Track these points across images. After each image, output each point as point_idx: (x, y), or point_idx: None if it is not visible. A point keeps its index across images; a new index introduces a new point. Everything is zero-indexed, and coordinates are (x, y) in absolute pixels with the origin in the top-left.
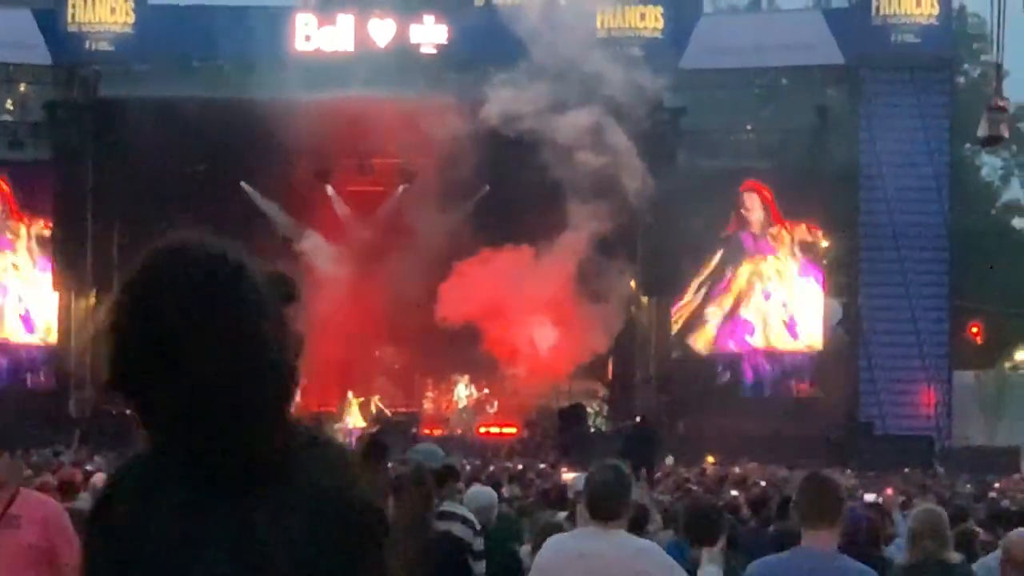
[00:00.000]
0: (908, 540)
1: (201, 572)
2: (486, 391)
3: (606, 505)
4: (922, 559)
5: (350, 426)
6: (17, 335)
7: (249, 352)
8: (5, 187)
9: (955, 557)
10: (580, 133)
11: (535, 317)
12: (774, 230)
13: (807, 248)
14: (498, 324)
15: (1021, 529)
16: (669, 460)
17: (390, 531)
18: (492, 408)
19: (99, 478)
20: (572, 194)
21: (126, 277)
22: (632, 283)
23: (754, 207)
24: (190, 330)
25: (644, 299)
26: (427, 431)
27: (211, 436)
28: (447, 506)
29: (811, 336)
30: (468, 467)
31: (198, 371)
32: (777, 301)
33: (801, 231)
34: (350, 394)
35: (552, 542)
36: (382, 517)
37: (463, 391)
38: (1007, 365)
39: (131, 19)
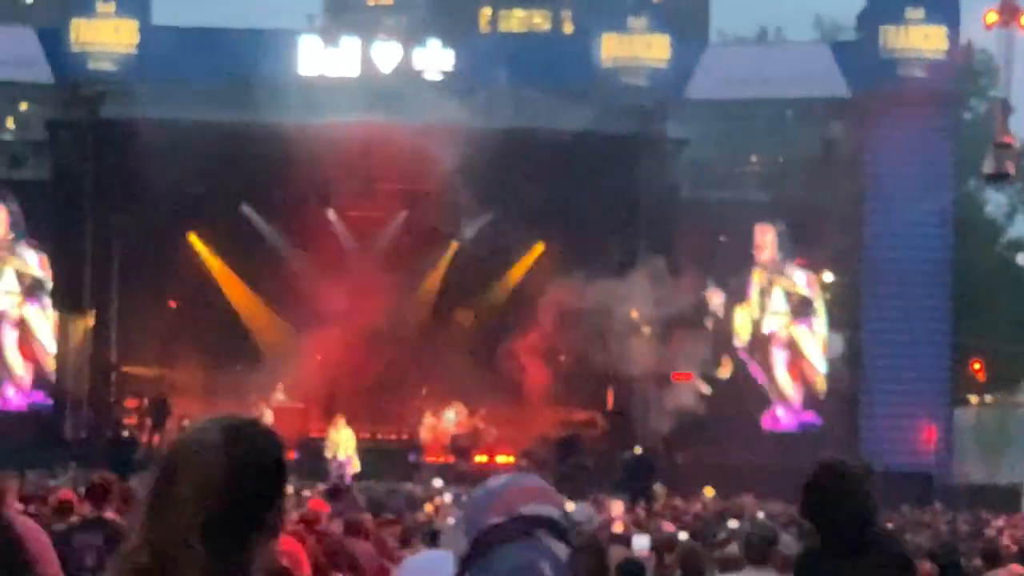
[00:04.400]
0: None
1: None
2: (480, 423)
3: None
4: None
5: (340, 456)
6: (13, 355)
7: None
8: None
9: None
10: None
11: None
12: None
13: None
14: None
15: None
16: (662, 489)
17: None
18: (490, 437)
19: None
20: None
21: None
22: (634, 313)
23: (766, 245)
24: None
25: (646, 329)
26: (430, 459)
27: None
28: None
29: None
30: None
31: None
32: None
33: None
34: (341, 421)
35: None
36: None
37: (452, 417)
38: (1009, 402)
39: (135, 40)
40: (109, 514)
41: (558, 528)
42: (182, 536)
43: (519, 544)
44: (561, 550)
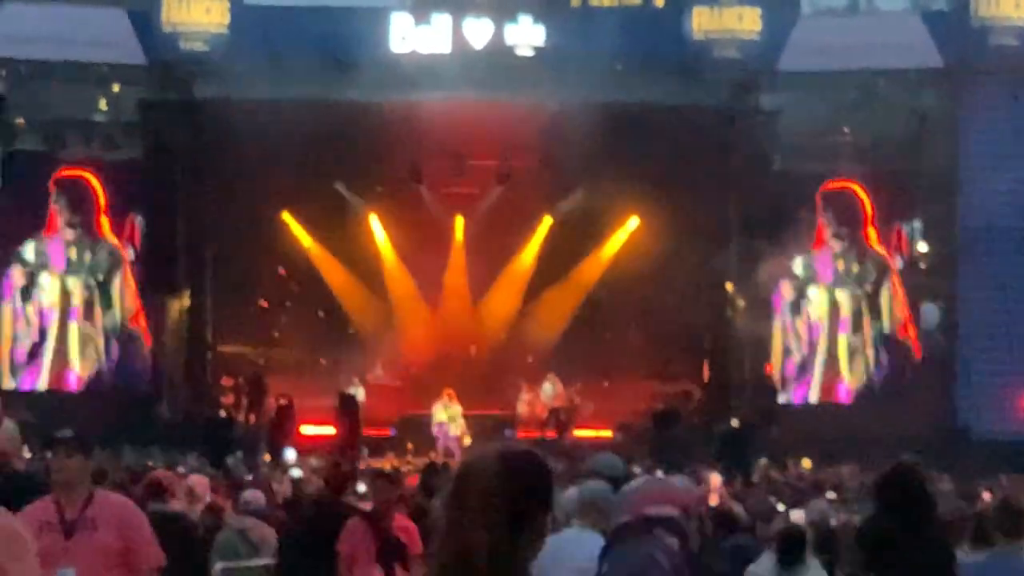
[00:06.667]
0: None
1: None
2: (576, 397)
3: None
4: None
5: (452, 431)
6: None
7: None
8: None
9: None
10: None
11: None
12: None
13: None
14: None
15: None
16: (763, 462)
17: None
18: (586, 411)
19: (194, 480)
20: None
21: None
22: (729, 285)
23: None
24: None
25: (741, 302)
26: (527, 434)
27: None
28: None
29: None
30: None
31: None
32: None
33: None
34: (450, 396)
35: None
36: None
37: (549, 391)
38: None
39: (226, 19)
40: (350, 497)
41: (675, 525)
42: (473, 537)
43: (642, 539)
44: (674, 543)
